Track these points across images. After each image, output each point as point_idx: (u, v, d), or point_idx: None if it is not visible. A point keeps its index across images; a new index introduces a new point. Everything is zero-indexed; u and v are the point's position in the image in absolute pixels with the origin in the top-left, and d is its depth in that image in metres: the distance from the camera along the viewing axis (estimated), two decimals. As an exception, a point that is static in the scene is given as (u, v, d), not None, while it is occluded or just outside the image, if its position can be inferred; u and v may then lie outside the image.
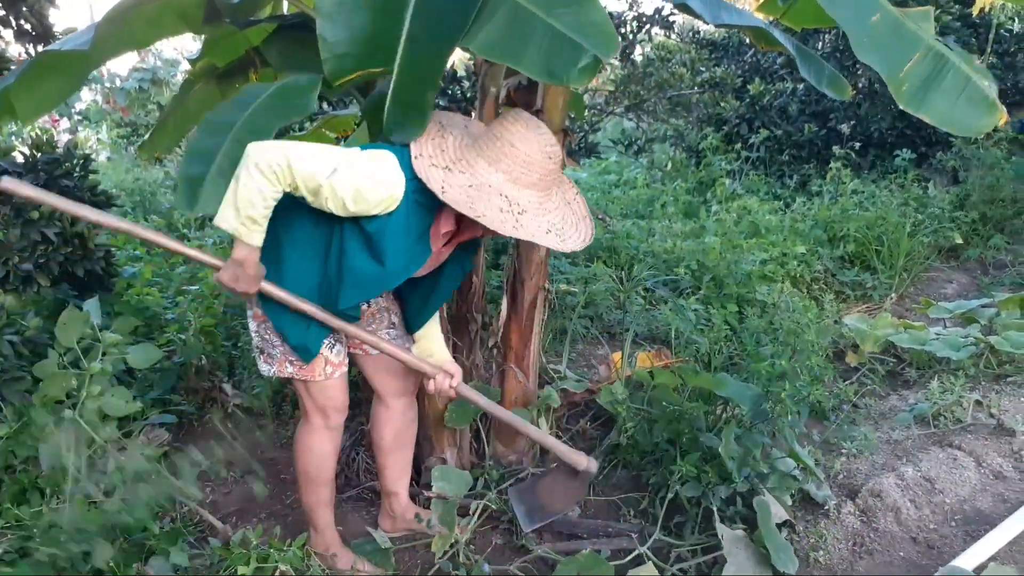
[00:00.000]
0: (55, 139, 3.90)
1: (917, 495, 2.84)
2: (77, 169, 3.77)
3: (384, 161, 2.02)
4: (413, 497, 2.91)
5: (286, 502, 2.98)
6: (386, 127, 2.14)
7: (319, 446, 2.48)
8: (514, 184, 2.05)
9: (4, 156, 3.60)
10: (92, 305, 3.03)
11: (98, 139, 9.72)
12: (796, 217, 6.20)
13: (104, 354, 3.03)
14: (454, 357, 3.10)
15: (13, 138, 4.39)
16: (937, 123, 2.34)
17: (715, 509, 2.56)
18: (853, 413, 3.63)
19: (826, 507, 2.82)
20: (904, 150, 7.21)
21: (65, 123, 9.23)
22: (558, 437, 3.24)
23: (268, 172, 1.90)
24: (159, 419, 3.37)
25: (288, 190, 1.96)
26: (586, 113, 6.96)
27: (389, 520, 2.81)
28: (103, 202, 3.83)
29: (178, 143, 3.37)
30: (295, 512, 2.90)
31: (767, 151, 8.11)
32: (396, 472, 2.75)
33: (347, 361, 2.44)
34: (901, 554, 2.59)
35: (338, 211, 1.99)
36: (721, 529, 2.44)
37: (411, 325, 2.51)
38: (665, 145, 8.81)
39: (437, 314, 2.51)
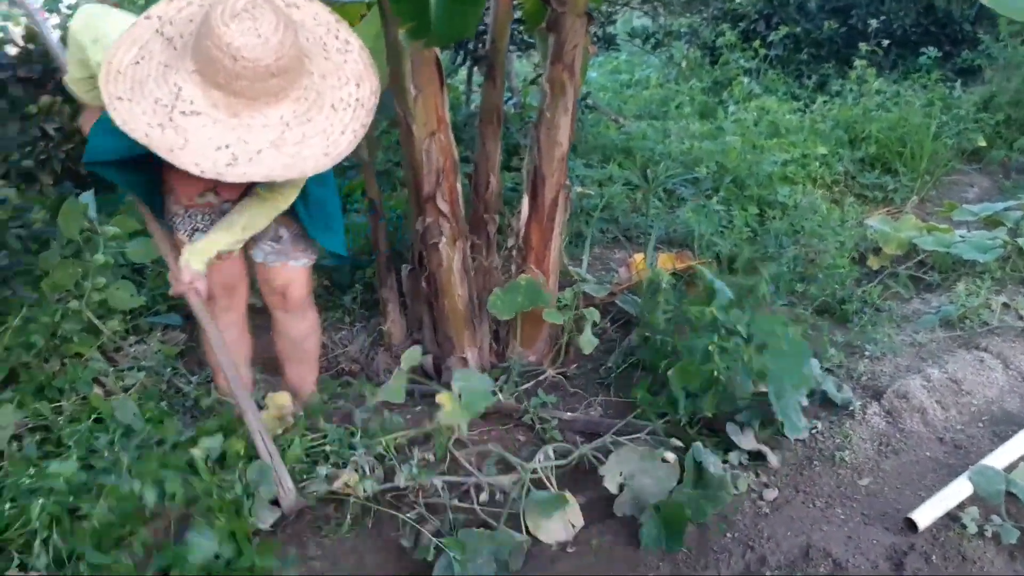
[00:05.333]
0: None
1: (944, 396, 2.81)
2: (74, 61, 3.60)
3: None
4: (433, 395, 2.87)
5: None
6: (435, 22, 1.99)
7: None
8: (200, 77, 1.68)
9: (-3, 47, 3.43)
10: (88, 197, 3.01)
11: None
12: (816, 118, 6.01)
13: (105, 247, 2.99)
14: (472, 258, 3.05)
15: (4, 30, 4.19)
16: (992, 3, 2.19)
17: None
18: (875, 316, 3.58)
19: (850, 408, 2.79)
20: (929, 48, 6.95)
21: (55, 19, 8.90)
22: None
23: None
24: (165, 319, 3.33)
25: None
26: (603, 5, 6.67)
27: None
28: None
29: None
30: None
31: (785, 49, 7.82)
32: (294, 381, 2.70)
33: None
34: (928, 454, 2.58)
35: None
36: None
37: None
38: (680, 43, 8.49)
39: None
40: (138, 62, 1.71)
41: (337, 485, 2.25)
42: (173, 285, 2.24)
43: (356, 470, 2.29)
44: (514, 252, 3.14)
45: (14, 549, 1.98)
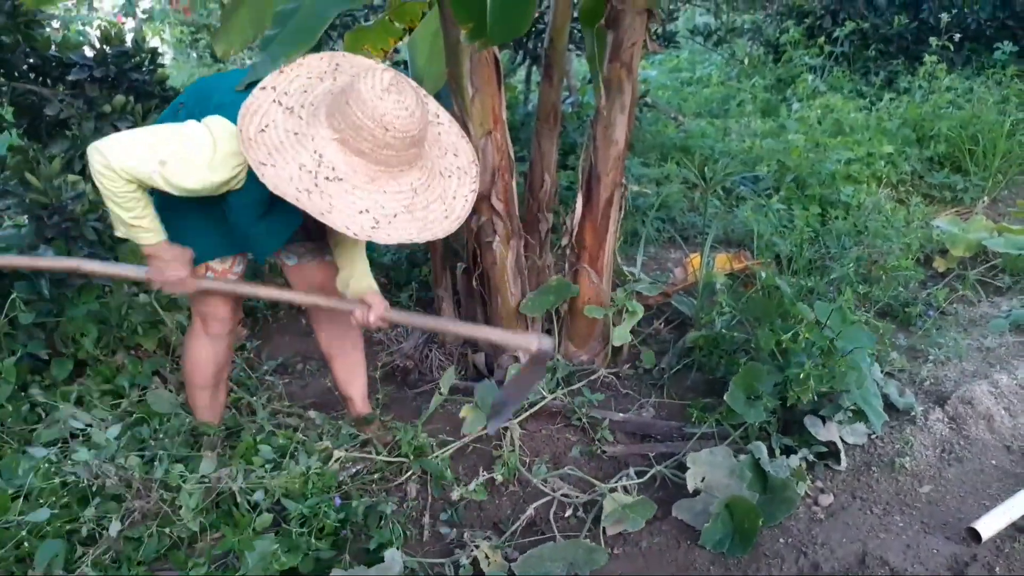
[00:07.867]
0: (123, 33, 3.85)
1: (1012, 403, 2.70)
2: (146, 63, 3.73)
3: (219, 140, 1.88)
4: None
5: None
6: (491, 24, 2.05)
7: (195, 352, 2.42)
8: (341, 145, 1.81)
9: (74, 49, 3.57)
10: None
11: (162, 39, 9.69)
12: (883, 116, 5.84)
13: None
14: (525, 257, 3.06)
15: (83, 34, 4.35)
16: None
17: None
18: (940, 320, 3.47)
19: (912, 414, 2.72)
20: (1004, 43, 6.68)
21: (131, 23, 9.20)
22: (632, 339, 3.18)
23: (103, 177, 1.87)
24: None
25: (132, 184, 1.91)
26: (664, 2, 6.61)
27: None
28: (171, 97, 3.80)
29: (254, 38, 3.22)
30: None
31: (852, 46, 7.60)
32: (342, 376, 2.68)
33: (238, 272, 2.33)
34: (993, 462, 2.49)
35: (182, 195, 1.94)
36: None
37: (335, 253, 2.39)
38: (742, 40, 8.35)
39: (362, 245, 2.29)
40: (263, 129, 1.81)
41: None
42: (365, 323, 2.21)
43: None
44: (568, 251, 3.14)
45: (76, 540, 2.06)
